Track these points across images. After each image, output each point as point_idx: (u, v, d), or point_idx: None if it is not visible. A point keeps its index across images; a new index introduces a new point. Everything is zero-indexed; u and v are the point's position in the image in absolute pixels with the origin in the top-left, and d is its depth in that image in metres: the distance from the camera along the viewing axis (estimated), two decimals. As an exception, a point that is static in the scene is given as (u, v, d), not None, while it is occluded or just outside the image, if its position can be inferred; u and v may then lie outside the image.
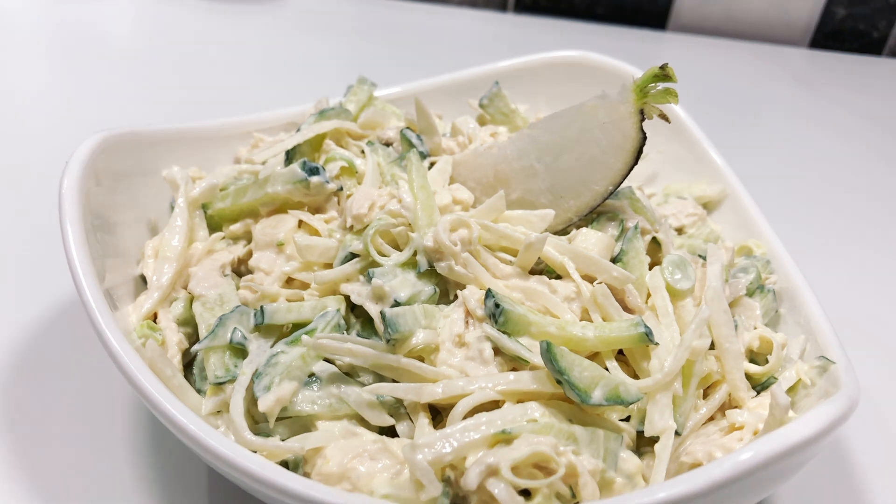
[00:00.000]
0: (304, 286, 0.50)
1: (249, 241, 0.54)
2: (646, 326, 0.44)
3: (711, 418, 0.46)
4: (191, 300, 0.50)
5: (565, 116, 0.51)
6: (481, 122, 0.67)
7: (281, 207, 0.53)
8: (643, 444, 0.44)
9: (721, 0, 1.26)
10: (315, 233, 0.51)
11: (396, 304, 0.46)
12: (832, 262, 0.78)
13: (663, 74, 0.47)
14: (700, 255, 0.56)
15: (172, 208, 0.56)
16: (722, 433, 0.44)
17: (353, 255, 0.49)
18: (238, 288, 0.50)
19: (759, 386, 0.48)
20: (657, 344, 0.45)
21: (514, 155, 0.53)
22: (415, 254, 0.48)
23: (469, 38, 1.20)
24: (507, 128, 0.62)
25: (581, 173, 0.51)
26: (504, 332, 0.44)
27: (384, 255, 0.48)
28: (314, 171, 0.52)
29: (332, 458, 0.41)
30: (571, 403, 0.42)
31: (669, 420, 0.43)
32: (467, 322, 0.46)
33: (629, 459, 0.42)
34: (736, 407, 0.47)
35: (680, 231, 0.63)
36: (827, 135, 1.02)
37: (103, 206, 0.52)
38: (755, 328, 0.52)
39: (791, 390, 0.48)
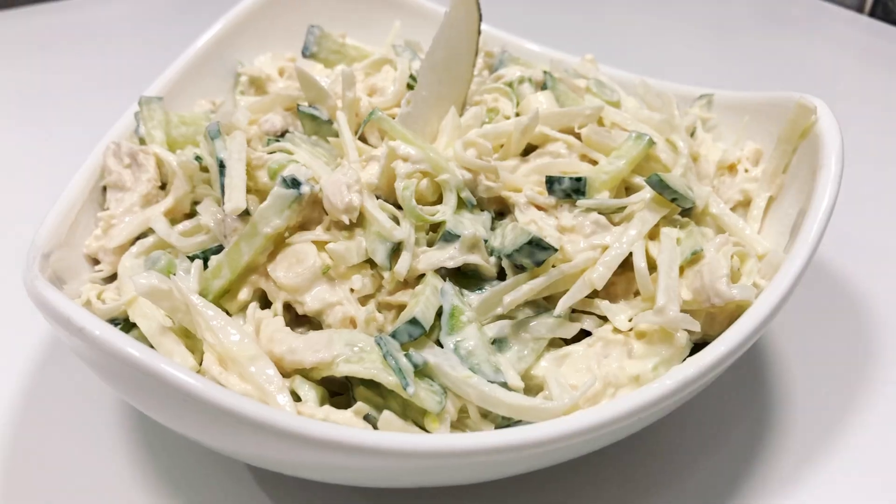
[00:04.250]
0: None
1: (264, 301, 0.45)
2: (643, 135, 0.51)
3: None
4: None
5: (440, 36, 0.52)
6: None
7: (275, 249, 0.45)
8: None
9: None
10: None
11: (485, 241, 0.45)
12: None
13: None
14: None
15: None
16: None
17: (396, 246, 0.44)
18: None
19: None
20: (655, 143, 0.52)
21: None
22: (457, 195, 0.46)
23: None
24: (344, 63, 0.58)
25: (460, 64, 0.52)
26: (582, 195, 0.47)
27: (431, 216, 0.45)
28: (295, 183, 0.44)
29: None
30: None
31: (704, 187, 0.52)
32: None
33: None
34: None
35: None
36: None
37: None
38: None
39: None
